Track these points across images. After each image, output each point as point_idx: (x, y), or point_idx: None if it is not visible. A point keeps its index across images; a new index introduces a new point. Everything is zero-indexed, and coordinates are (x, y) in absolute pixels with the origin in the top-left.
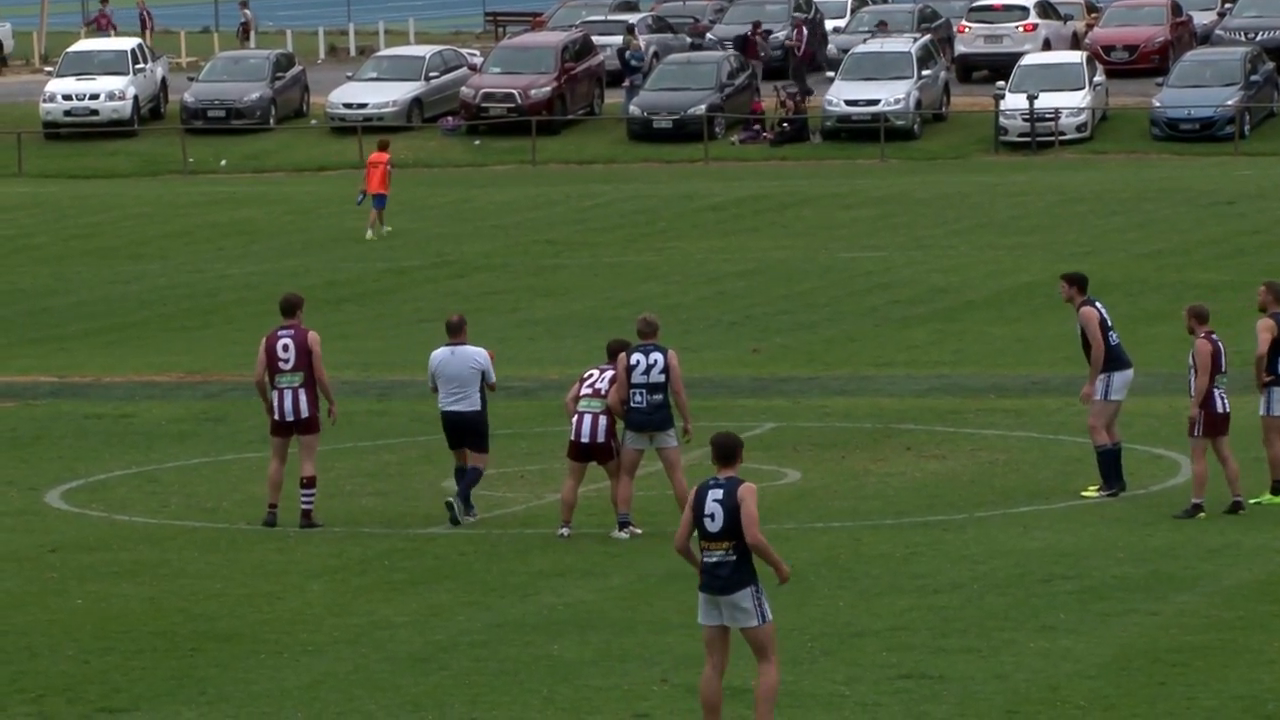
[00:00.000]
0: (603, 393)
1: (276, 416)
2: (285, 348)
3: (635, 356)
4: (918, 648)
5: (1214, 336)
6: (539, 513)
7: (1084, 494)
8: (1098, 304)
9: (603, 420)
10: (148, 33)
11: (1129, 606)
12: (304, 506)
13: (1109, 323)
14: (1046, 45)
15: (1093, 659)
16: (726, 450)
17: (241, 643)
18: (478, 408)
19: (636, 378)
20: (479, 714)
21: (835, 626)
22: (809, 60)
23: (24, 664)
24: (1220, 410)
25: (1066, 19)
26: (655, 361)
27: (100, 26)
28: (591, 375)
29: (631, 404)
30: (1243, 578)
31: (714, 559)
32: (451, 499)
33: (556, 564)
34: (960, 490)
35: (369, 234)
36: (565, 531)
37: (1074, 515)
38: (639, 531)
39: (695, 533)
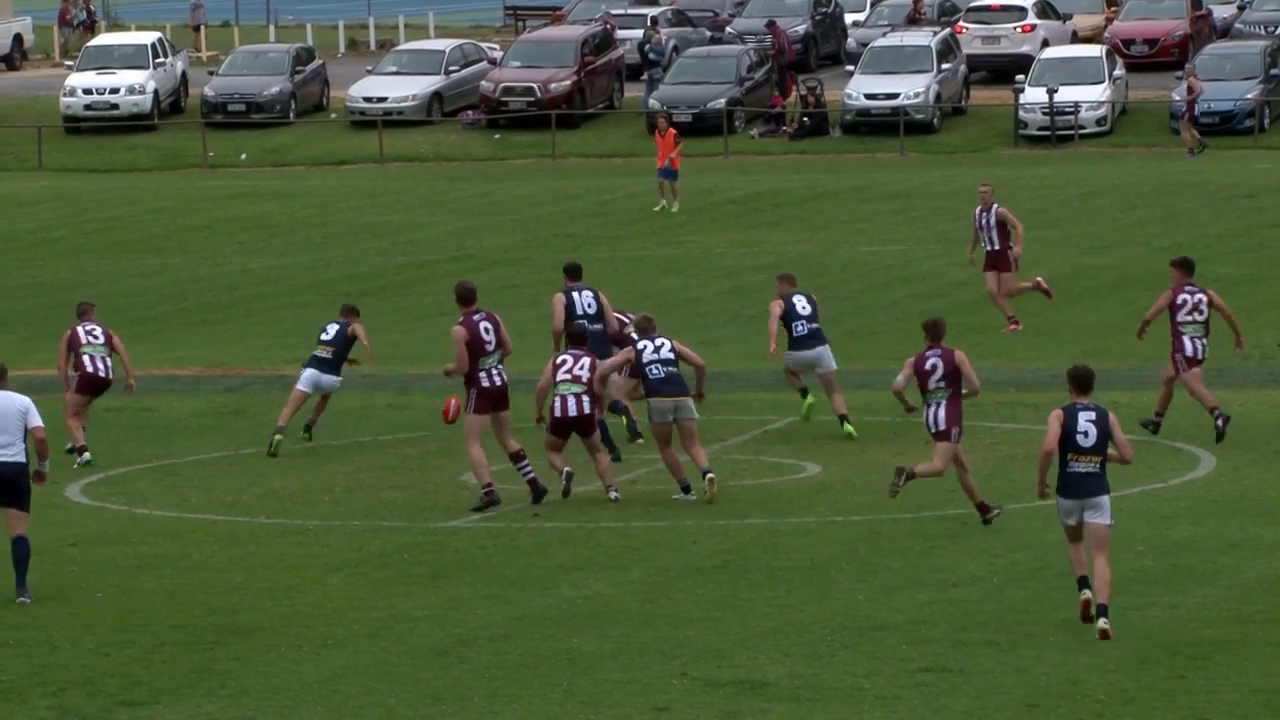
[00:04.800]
0: (584, 379)
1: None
2: (486, 330)
3: (643, 343)
4: (937, 641)
5: (927, 353)
6: (559, 507)
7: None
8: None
9: (585, 399)
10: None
11: (1148, 600)
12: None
13: None
14: (1045, 46)
15: (1112, 653)
16: (1086, 380)
17: (261, 636)
18: (24, 459)
19: (649, 356)
20: (499, 707)
21: (855, 620)
22: (792, 61)
23: (45, 657)
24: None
25: (1066, 18)
26: (662, 344)
27: (64, 21)
28: (566, 362)
29: (650, 378)
30: (1263, 572)
31: (1083, 469)
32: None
33: (576, 557)
34: (980, 484)
35: (662, 204)
36: (569, 469)
37: None
38: (692, 497)
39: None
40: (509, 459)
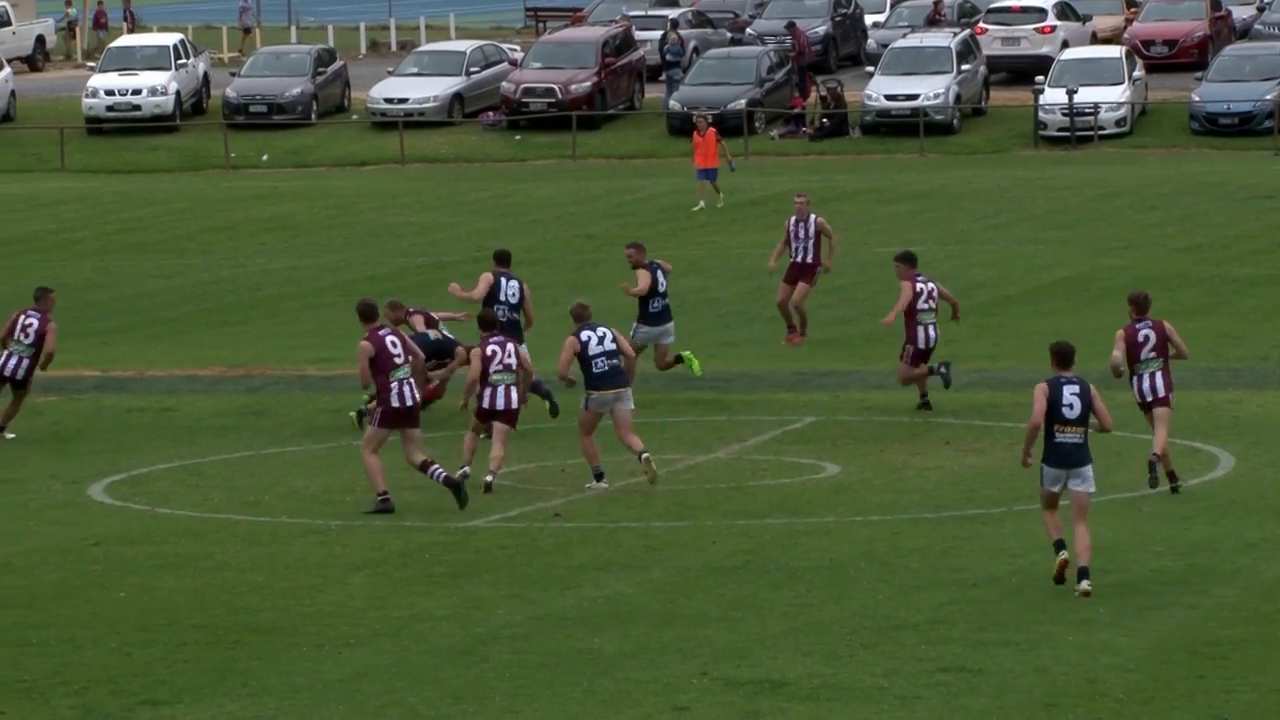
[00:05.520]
0: (513, 367)
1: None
2: (394, 344)
3: (586, 334)
4: (956, 641)
5: (1137, 325)
6: (580, 507)
7: None
8: None
9: (514, 390)
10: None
11: (1167, 600)
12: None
13: None
14: (1064, 47)
15: (1131, 652)
16: (1067, 355)
17: (283, 636)
18: None
19: (594, 349)
20: (519, 706)
21: (874, 620)
22: (812, 62)
23: (67, 656)
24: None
25: (1085, 19)
26: (605, 335)
27: (99, 25)
28: (496, 354)
29: (595, 370)
30: None
31: (1070, 440)
32: None
33: (596, 557)
34: (998, 484)
35: (701, 205)
36: (467, 470)
37: (1112, 509)
38: (605, 485)
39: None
40: (417, 469)
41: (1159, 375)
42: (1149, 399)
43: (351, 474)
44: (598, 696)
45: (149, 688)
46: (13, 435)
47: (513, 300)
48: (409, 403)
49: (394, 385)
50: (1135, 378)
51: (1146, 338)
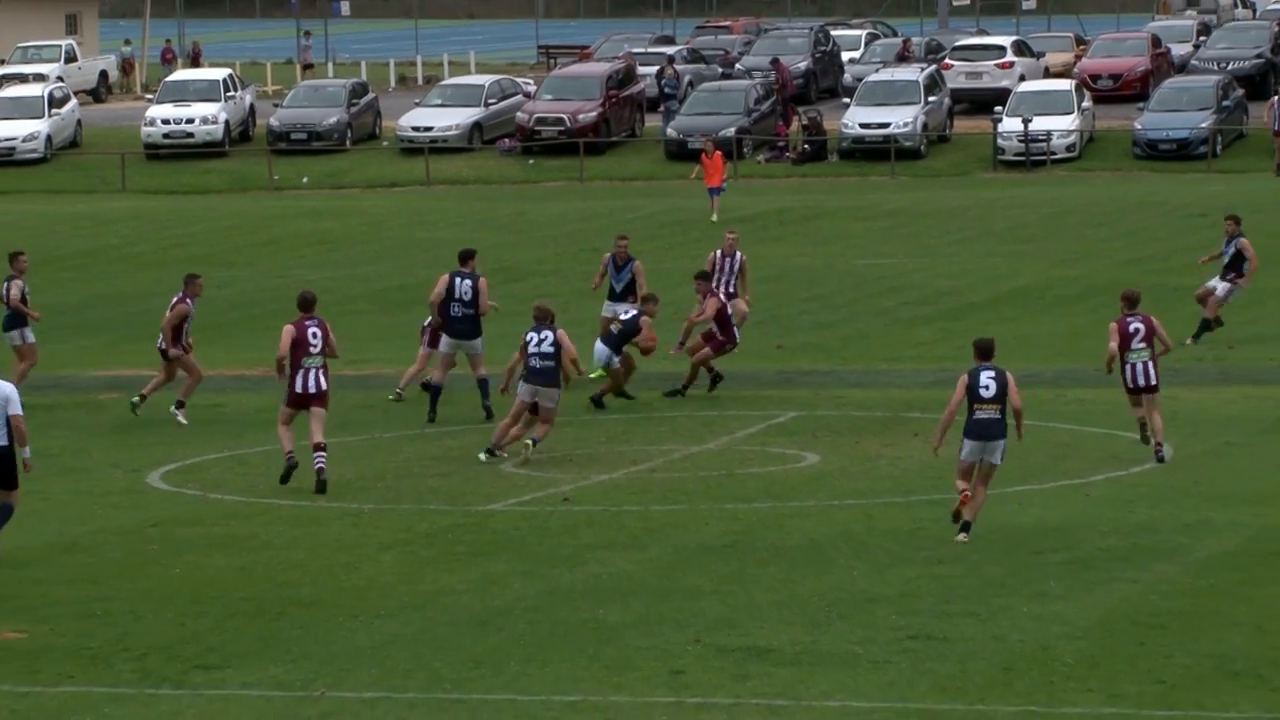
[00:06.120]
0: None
1: (299, 390)
2: (314, 335)
3: (530, 335)
4: (924, 612)
5: (1128, 318)
6: (586, 492)
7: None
8: None
9: (322, 374)
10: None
11: (1112, 575)
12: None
13: None
14: (1021, 81)
15: (1080, 622)
16: (988, 349)
17: (321, 608)
18: (5, 443)
19: (532, 348)
20: (532, 670)
21: (850, 593)
22: (794, 94)
23: (128, 626)
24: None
25: (1039, 55)
26: (545, 338)
27: (166, 59)
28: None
29: (528, 366)
30: (1214, 550)
31: (987, 416)
32: None
33: (601, 538)
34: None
35: (714, 217)
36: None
37: (1063, 494)
38: (501, 458)
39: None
40: (312, 448)
41: (1149, 365)
42: (1140, 384)
43: (381, 463)
44: (602, 662)
45: (201, 654)
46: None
47: (466, 298)
48: (312, 389)
49: (303, 371)
50: (1127, 365)
51: (1137, 330)
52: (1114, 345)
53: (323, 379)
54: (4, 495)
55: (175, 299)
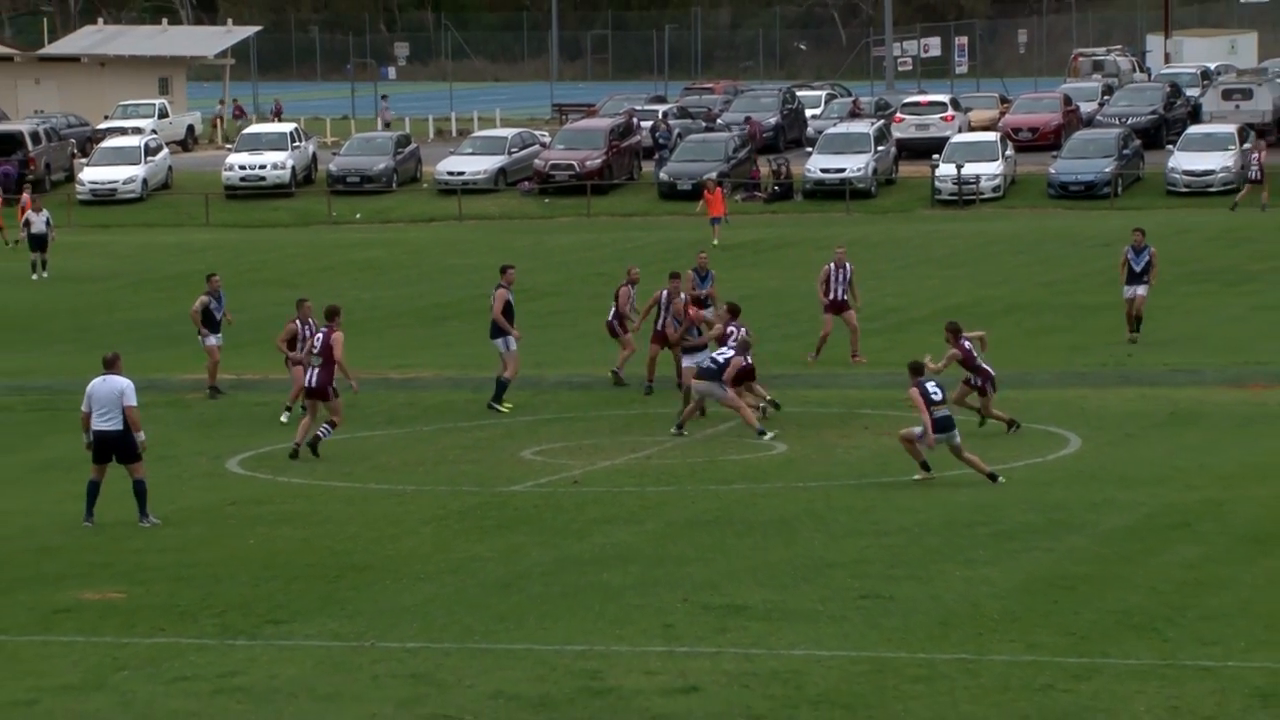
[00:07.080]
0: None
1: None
2: (319, 340)
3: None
4: (874, 576)
5: (964, 344)
6: (593, 476)
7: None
8: None
9: (322, 372)
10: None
11: (1032, 545)
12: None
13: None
14: (957, 133)
15: (1004, 584)
16: (919, 368)
17: (371, 572)
18: (120, 428)
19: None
20: (547, 625)
21: (812, 560)
22: (763, 145)
23: (210, 587)
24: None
25: (967, 110)
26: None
27: (237, 115)
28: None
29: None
30: (1116, 524)
31: (942, 413)
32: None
33: (605, 513)
34: (905, 459)
35: (716, 242)
36: (285, 416)
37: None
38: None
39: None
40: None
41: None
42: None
43: (422, 451)
44: (606, 618)
45: (271, 610)
46: (285, 419)
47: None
48: (313, 383)
49: (310, 369)
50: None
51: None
52: (942, 364)
53: (315, 376)
54: (132, 470)
55: (288, 321)
